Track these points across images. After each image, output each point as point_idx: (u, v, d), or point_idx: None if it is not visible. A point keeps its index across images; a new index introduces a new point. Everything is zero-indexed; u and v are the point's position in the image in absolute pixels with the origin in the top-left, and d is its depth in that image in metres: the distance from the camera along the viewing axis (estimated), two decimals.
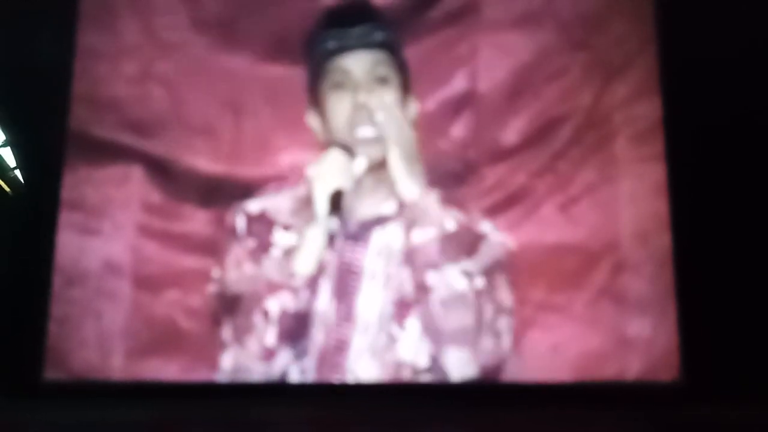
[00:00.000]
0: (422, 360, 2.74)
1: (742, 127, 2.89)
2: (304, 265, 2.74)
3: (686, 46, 2.91)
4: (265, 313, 2.72)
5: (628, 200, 2.86)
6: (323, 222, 2.72)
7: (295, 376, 2.73)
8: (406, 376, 2.73)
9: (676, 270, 2.80)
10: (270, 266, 2.76)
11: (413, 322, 2.74)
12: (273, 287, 2.73)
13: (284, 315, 2.71)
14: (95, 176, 2.89)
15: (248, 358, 2.73)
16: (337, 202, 2.70)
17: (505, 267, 2.79)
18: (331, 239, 2.75)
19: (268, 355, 2.72)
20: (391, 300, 2.76)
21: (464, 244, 2.78)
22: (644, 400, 2.70)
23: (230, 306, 2.77)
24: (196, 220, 2.85)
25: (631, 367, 2.77)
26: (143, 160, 2.90)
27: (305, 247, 2.75)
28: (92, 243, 2.84)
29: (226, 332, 2.76)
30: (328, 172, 2.72)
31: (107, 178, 2.88)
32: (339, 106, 2.80)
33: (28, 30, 2.95)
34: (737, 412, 2.56)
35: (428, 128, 2.89)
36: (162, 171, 2.89)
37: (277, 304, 2.72)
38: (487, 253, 2.78)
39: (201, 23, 2.97)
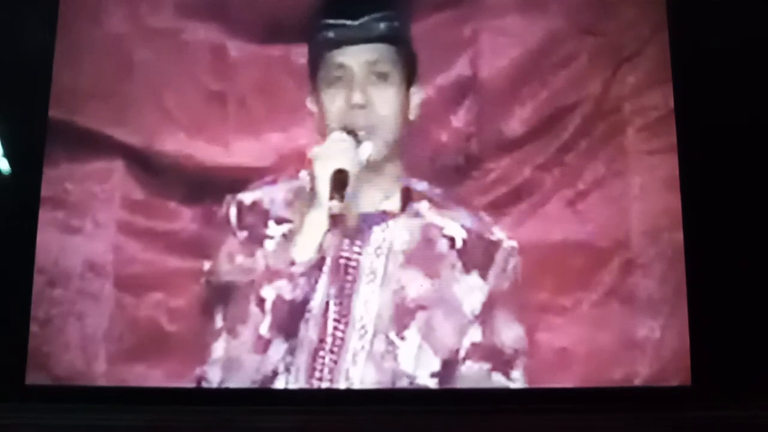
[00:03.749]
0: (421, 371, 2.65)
1: (758, 118, 2.80)
2: (303, 252, 2.63)
3: (700, 33, 2.83)
4: (261, 302, 2.62)
5: (638, 195, 2.78)
6: (325, 205, 2.59)
7: (285, 378, 2.62)
8: (405, 384, 2.63)
9: (688, 269, 2.72)
10: (268, 253, 2.66)
11: (413, 333, 2.65)
12: (270, 275, 2.63)
13: (280, 304, 2.61)
14: (77, 172, 2.79)
15: (240, 348, 2.63)
16: (341, 184, 2.56)
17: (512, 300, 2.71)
18: (332, 224, 2.63)
19: (261, 345, 2.61)
20: (390, 303, 2.66)
21: (477, 255, 2.70)
22: (653, 404, 2.65)
23: (222, 295, 2.67)
24: (181, 218, 2.76)
25: (640, 371, 2.69)
26: (126, 154, 2.80)
27: (305, 233, 2.64)
28: (73, 241, 2.76)
29: (218, 322, 2.67)
30: (332, 153, 2.60)
31: (89, 174, 2.79)
32: (334, 103, 2.69)
33: (10, 18, 2.87)
34: (749, 418, 2.55)
35: (428, 117, 2.78)
36: (145, 166, 2.79)
37: (273, 292, 2.62)
38: (502, 265, 2.71)
39: (188, 9, 2.87)
